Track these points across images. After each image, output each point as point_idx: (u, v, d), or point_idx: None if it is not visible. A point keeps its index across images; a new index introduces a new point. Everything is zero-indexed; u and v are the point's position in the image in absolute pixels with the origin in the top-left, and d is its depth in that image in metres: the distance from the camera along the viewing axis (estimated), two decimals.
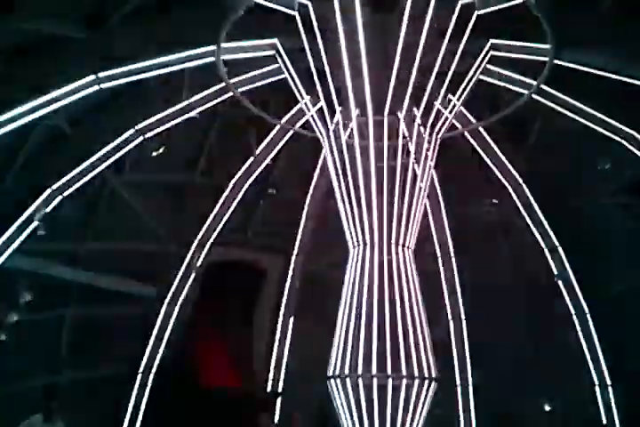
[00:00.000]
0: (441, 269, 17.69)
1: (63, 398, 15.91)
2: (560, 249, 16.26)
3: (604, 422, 15.77)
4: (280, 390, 18.32)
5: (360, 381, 10.37)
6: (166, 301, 17.18)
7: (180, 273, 17.30)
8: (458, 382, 17.48)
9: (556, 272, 16.17)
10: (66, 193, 14.52)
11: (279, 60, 12.51)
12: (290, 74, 12.02)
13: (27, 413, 14.56)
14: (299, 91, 12.13)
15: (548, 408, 17.49)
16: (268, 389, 18.32)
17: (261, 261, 20.18)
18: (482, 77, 12.70)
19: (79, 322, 16.63)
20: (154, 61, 13.42)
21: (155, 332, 17.10)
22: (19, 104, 13.10)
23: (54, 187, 14.38)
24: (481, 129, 15.03)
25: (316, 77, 11.63)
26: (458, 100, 11.74)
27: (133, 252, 17.08)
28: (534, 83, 12.77)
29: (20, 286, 15.14)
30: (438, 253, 17.87)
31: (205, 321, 20.39)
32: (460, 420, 17.54)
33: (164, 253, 17.43)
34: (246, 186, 17.12)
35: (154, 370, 16.87)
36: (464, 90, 11.58)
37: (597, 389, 16.18)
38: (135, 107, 14.82)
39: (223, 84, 13.52)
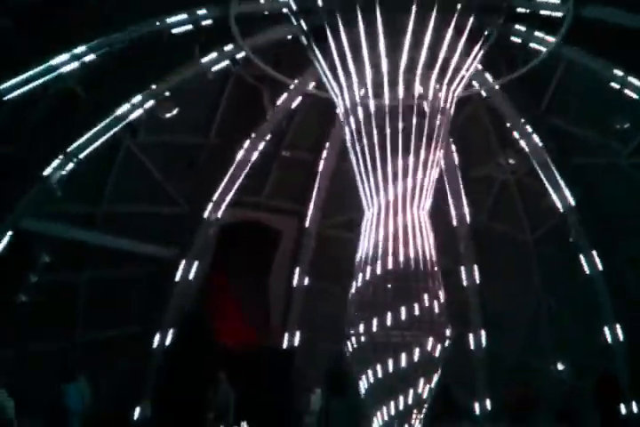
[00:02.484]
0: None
1: (82, 357, 16.41)
2: (576, 210, 16.17)
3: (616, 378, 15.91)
4: (295, 348, 18.65)
5: (375, 338, 10.50)
6: (182, 262, 17.37)
7: (196, 234, 17.43)
8: (472, 340, 17.71)
9: (572, 233, 16.11)
10: (81, 156, 14.54)
11: (292, 18, 12.29)
12: (304, 32, 11.82)
13: (46, 372, 15.05)
14: (312, 50, 11.95)
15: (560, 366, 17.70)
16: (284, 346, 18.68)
17: (276, 223, 20.49)
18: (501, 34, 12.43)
19: (96, 283, 16.85)
20: (168, 20, 13.27)
21: (172, 293, 17.35)
22: (32, 66, 13.04)
23: (69, 150, 14.39)
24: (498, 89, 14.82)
25: (330, 36, 11.44)
26: (475, 57, 11.53)
27: (149, 214, 17.20)
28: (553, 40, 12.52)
29: (38, 248, 15.31)
30: (453, 215, 17.92)
31: (221, 281, 20.78)
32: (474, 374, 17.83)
33: (179, 215, 17.56)
34: (260, 147, 17.08)
35: (171, 329, 17.19)
36: (481, 47, 11.36)
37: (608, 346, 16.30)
38: (148, 68, 14.71)
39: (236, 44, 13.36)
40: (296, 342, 18.77)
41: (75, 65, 13.45)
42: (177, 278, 17.36)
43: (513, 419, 16.68)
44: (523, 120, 15.67)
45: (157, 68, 14.36)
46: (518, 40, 13.37)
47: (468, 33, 11.12)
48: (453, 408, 17.20)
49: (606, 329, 16.31)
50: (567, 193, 16.20)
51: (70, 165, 14.52)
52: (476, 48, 11.43)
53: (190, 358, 15.00)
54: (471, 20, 11.06)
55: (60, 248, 15.72)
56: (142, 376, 16.57)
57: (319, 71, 12.49)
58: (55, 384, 12.79)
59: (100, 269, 16.88)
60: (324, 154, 18.28)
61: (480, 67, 12.94)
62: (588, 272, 16.35)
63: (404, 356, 10.49)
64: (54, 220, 15.48)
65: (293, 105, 16.52)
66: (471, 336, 17.89)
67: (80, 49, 13.31)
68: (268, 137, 17.01)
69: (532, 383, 17.63)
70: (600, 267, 16.23)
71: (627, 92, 13.56)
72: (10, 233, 14.07)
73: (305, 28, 11.85)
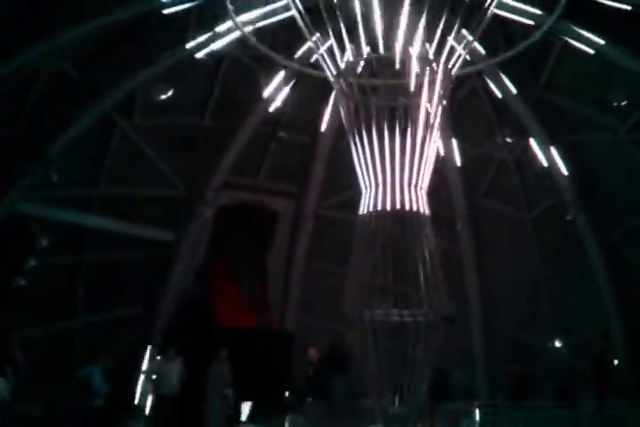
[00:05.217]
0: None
1: (81, 340, 16.48)
2: (574, 187, 16.16)
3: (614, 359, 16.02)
4: (294, 329, 18.73)
5: (374, 317, 10.52)
6: (180, 244, 17.37)
7: (193, 217, 17.41)
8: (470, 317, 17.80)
9: (569, 211, 16.12)
10: (77, 138, 14.46)
11: None
12: (298, 10, 11.68)
13: (46, 356, 15.12)
14: (308, 28, 11.83)
15: (558, 344, 17.82)
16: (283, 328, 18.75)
17: (274, 204, 20.45)
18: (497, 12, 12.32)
19: (95, 266, 16.86)
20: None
21: (170, 275, 17.38)
22: (25, 49, 12.90)
23: (64, 132, 14.31)
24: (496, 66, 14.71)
25: (324, 14, 11.31)
26: (472, 34, 11.42)
27: (146, 196, 17.16)
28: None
29: (36, 231, 15.29)
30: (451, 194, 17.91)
31: (220, 264, 20.79)
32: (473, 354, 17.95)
33: (176, 198, 17.52)
34: (256, 129, 16.98)
35: (169, 312, 17.24)
36: (478, 24, 11.24)
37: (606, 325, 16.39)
38: (142, 50, 14.57)
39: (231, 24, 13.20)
40: (295, 323, 18.86)
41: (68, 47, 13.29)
42: (174, 261, 17.37)
43: (511, 396, 16.83)
44: (520, 97, 15.57)
45: (151, 49, 14.21)
46: (516, 17, 13.23)
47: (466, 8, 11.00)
48: (451, 388, 17.39)
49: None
50: (564, 170, 16.16)
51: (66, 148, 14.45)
52: (474, 23, 11.31)
53: (190, 340, 15.07)
54: None
55: (58, 231, 15.71)
56: (142, 358, 16.64)
57: (315, 50, 12.37)
58: (80, 367, 12.99)
59: (97, 253, 16.87)
60: (321, 134, 18.19)
61: (478, 44, 12.81)
62: (586, 249, 16.37)
63: (403, 335, 10.52)
64: (52, 204, 15.45)
65: (289, 85, 16.37)
66: (469, 315, 17.99)
67: (73, 32, 13.15)
68: (264, 118, 16.88)
69: (531, 361, 17.78)
70: (598, 244, 16.24)
71: (623, 67, 13.46)
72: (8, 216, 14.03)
73: (300, 6, 11.70)
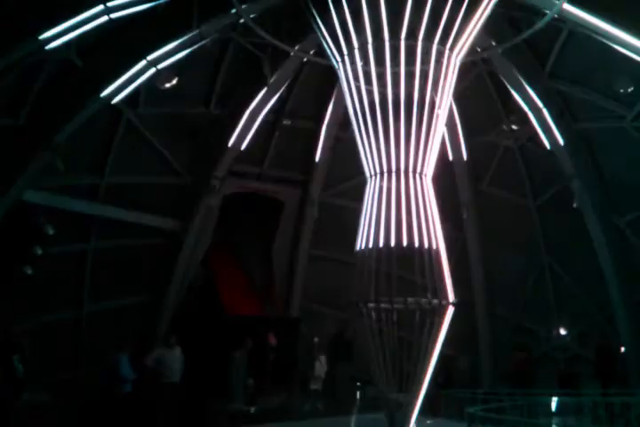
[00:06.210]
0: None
1: (87, 328, 16.58)
2: (580, 175, 16.10)
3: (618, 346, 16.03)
4: (299, 317, 18.81)
5: (380, 305, 10.55)
6: (186, 233, 17.40)
7: (198, 205, 17.43)
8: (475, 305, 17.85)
9: (574, 197, 16.08)
10: (81, 127, 14.45)
11: None
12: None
13: (53, 344, 15.22)
14: (312, 15, 11.75)
15: (563, 331, 17.85)
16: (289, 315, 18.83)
17: (278, 193, 20.45)
18: None
19: (101, 255, 16.92)
20: None
21: (177, 263, 17.43)
22: (28, 38, 12.85)
23: (69, 121, 14.28)
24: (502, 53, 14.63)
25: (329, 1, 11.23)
26: (478, 20, 11.32)
27: (152, 185, 17.18)
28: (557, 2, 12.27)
29: (42, 220, 15.32)
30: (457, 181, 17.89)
31: (225, 253, 20.83)
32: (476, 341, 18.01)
33: (181, 186, 17.53)
34: (261, 117, 16.95)
35: (175, 300, 17.32)
36: (484, 9, 11.14)
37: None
38: (146, 38, 14.49)
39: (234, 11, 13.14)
40: (300, 310, 18.94)
41: (72, 35, 13.23)
42: (181, 249, 17.41)
43: (515, 382, 16.91)
44: (526, 85, 15.47)
45: (155, 37, 14.15)
46: (523, 2, 13.13)
47: None
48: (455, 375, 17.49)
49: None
50: (570, 158, 16.09)
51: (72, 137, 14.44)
52: (480, 9, 11.21)
53: (196, 329, 15.17)
54: None
55: (64, 220, 15.75)
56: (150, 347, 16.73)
57: (320, 38, 12.31)
58: (110, 354, 13.57)
59: (103, 241, 16.92)
60: (326, 122, 18.15)
61: (483, 31, 12.70)
62: (591, 237, 16.33)
63: (408, 322, 10.55)
64: (57, 192, 15.47)
65: (293, 73, 16.32)
66: (474, 302, 18.03)
67: (76, 19, 13.09)
68: (269, 106, 16.83)
69: (534, 348, 17.83)
70: (603, 231, 16.20)
71: (631, 55, 13.34)
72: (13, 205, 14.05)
73: None
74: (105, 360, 13.72)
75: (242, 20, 13.92)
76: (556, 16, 12.65)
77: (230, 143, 17.09)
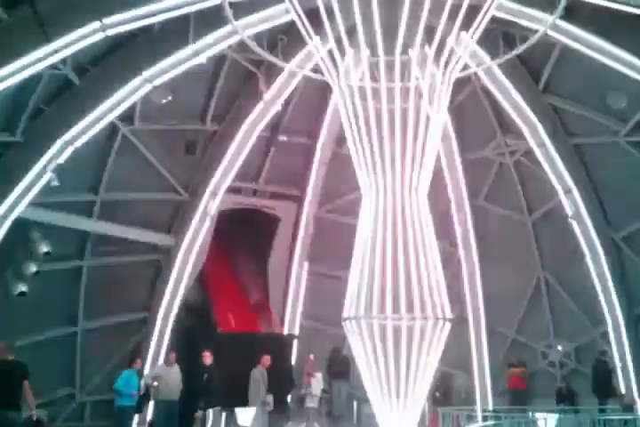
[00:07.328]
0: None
1: (82, 346, 16.44)
2: (575, 190, 16.12)
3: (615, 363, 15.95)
4: (296, 333, 18.70)
5: (375, 322, 10.49)
6: (181, 249, 17.32)
7: (194, 221, 17.38)
8: (471, 321, 17.76)
9: (569, 213, 16.09)
10: (77, 144, 14.43)
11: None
12: (298, 13, 11.66)
13: (48, 362, 15.07)
14: (307, 31, 11.81)
15: (560, 347, 17.77)
16: (285, 332, 18.72)
17: (274, 208, 20.41)
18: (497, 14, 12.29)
19: (96, 271, 16.82)
20: (160, 5, 13.12)
21: (171, 280, 17.32)
22: (24, 54, 12.87)
23: (65, 138, 14.27)
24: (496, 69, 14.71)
25: (324, 17, 11.29)
26: (472, 37, 11.39)
27: (147, 200, 17.15)
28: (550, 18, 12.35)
29: (37, 237, 15.26)
30: (451, 197, 17.90)
31: (221, 268, 20.70)
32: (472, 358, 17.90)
33: (177, 202, 17.51)
34: (257, 133, 16.97)
35: (172, 317, 17.19)
36: (478, 26, 11.21)
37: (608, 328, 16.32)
38: (142, 54, 14.55)
39: (230, 28, 13.18)
40: (296, 327, 18.83)
41: (69, 51, 13.25)
42: (176, 266, 17.31)
43: (512, 399, 16.80)
44: (520, 100, 15.55)
45: (151, 54, 14.20)
46: (516, 19, 13.23)
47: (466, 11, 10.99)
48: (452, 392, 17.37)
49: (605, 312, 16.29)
50: (565, 173, 16.14)
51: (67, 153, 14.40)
52: (474, 26, 11.28)
53: (191, 346, 15.04)
54: None
55: (59, 237, 15.69)
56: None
57: (315, 54, 12.37)
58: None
59: (98, 258, 16.84)
60: (322, 138, 18.19)
61: (477, 47, 12.79)
62: (586, 252, 16.31)
63: (404, 340, 10.48)
64: (53, 208, 15.41)
65: (289, 89, 16.38)
66: (470, 317, 17.95)
67: (75, 34, 13.11)
68: (265, 122, 16.87)
69: (530, 364, 17.74)
70: (599, 246, 16.20)
71: (624, 70, 13.43)
72: (8, 221, 13.96)
73: (299, 10, 11.69)
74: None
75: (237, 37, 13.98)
76: (548, 32, 12.72)
77: (226, 159, 17.08)
